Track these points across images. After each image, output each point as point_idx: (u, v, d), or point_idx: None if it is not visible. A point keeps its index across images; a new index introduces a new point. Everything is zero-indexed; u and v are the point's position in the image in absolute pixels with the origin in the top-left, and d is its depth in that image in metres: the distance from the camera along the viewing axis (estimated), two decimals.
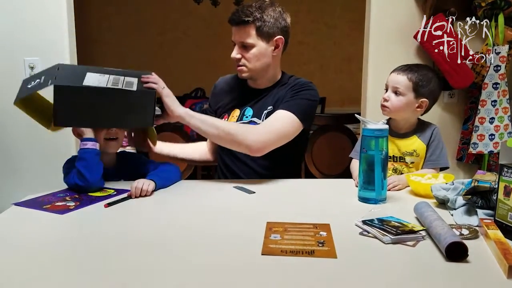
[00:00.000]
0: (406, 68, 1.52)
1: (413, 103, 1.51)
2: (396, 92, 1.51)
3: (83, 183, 1.36)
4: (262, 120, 1.58)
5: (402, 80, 1.50)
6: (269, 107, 1.60)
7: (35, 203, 1.29)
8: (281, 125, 1.50)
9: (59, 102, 1.32)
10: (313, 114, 1.63)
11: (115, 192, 1.37)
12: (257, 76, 1.62)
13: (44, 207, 1.25)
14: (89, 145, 1.39)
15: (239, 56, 1.56)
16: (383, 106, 1.53)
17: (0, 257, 0.94)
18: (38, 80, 1.36)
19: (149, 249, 0.96)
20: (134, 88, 1.38)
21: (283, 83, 1.64)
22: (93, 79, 1.35)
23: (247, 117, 1.62)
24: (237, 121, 1.62)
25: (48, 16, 2.12)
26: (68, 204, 1.27)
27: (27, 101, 1.40)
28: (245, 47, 1.55)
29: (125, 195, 1.33)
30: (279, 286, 0.81)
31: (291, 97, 1.56)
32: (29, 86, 1.37)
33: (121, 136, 1.52)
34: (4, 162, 2.21)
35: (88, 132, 1.41)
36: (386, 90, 1.55)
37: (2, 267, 0.89)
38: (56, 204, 1.28)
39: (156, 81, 1.40)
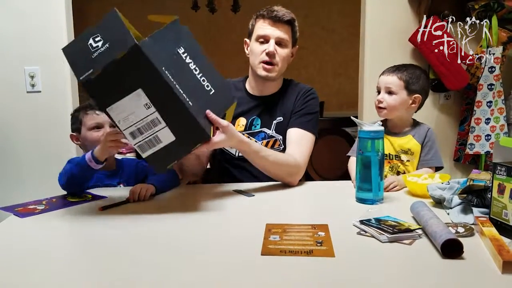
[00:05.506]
0: (394, 69, 1.57)
1: (407, 100, 1.55)
2: (390, 92, 1.55)
3: (60, 182, 1.41)
4: (272, 130, 1.61)
5: (393, 80, 1.55)
6: (279, 118, 1.62)
7: (13, 207, 1.31)
8: (305, 148, 1.57)
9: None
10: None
11: (91, 197, 1.40)
12: (274, 79, 1.60)
13: (16, 209, 1.28)
14: (93, 164, 1.36)
15: (275, 51, 1.52)
16: (378, 108, 1.57)
17: None
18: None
19: (149, 251, 0.98)
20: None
21: (285, 88, 1.66)
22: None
23: (255, 126, 1.63)
24: (245, 130, 1.62)
25: (48, 25, 2.15)
26: (38, 207, 1.30)
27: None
28: (280, 45, 1.54)
29: (123, 199, 1.35)
30: (279, 284, 0.82)
31: (302, 111, 1.60)
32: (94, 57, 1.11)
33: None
34: (5, 168, 2.24)
35: (101, 154, 1.35)
36: (378, 92, 1.59)
37: None
38: (28, 207, 1.31)
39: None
